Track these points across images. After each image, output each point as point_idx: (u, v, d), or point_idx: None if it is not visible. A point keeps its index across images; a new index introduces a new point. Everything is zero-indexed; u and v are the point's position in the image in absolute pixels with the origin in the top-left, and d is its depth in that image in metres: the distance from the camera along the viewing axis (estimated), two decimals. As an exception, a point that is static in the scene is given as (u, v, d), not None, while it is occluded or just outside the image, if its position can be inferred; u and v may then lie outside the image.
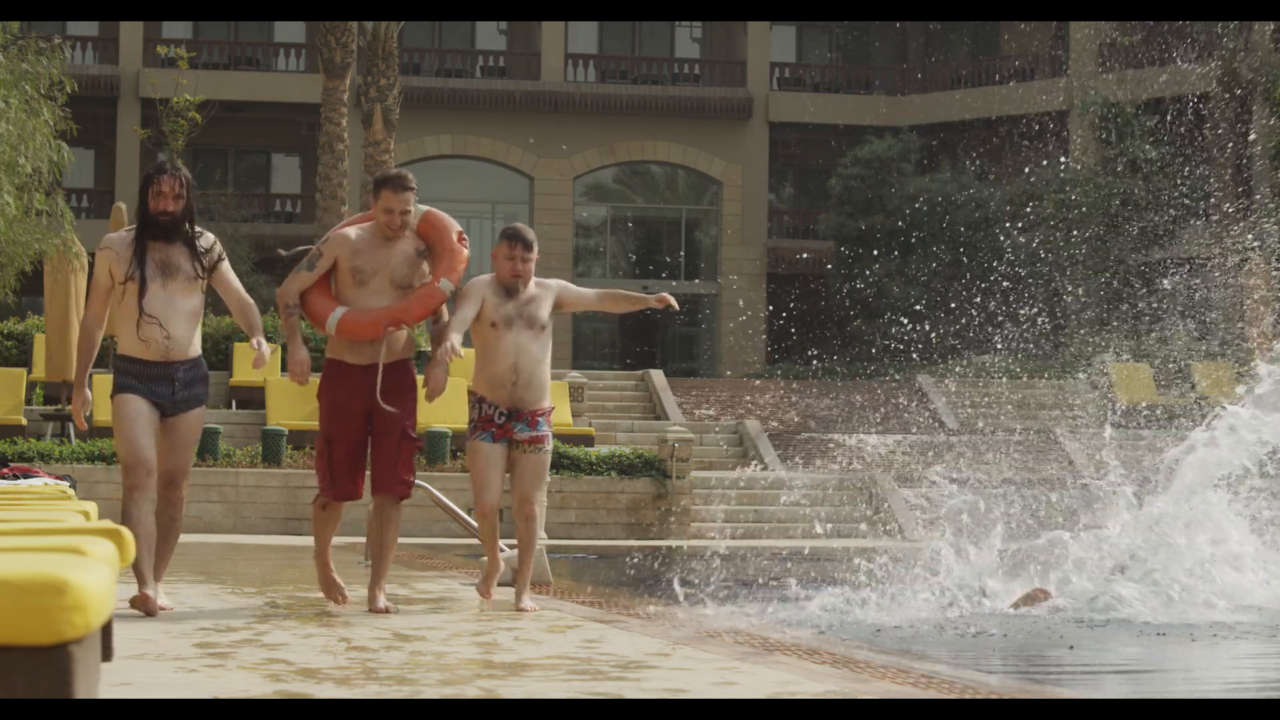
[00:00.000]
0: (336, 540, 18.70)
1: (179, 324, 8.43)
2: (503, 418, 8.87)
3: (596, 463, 20.83)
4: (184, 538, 18.33)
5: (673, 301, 9.05)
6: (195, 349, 8.55)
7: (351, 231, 8.88)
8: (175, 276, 8.42)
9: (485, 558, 11.55)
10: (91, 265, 8.93)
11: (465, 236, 8.90)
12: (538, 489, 9.06)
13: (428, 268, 8.80)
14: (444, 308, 8.92)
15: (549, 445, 9.00)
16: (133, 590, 8.43)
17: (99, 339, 8.59)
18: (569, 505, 20.32)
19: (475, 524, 12.73)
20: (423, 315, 8.75)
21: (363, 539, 18.04)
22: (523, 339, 8.84)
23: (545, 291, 8.97)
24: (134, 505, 8.28)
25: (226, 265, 8.70)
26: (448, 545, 16.51)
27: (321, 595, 9.25)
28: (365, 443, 8.80)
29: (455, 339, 8.69)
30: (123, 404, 8.40)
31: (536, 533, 9.15)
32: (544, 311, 8.90)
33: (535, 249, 8.97)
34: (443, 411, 21.46)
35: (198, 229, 8.60)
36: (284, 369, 26.33)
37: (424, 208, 8.92)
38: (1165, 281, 37.58)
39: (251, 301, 8.80)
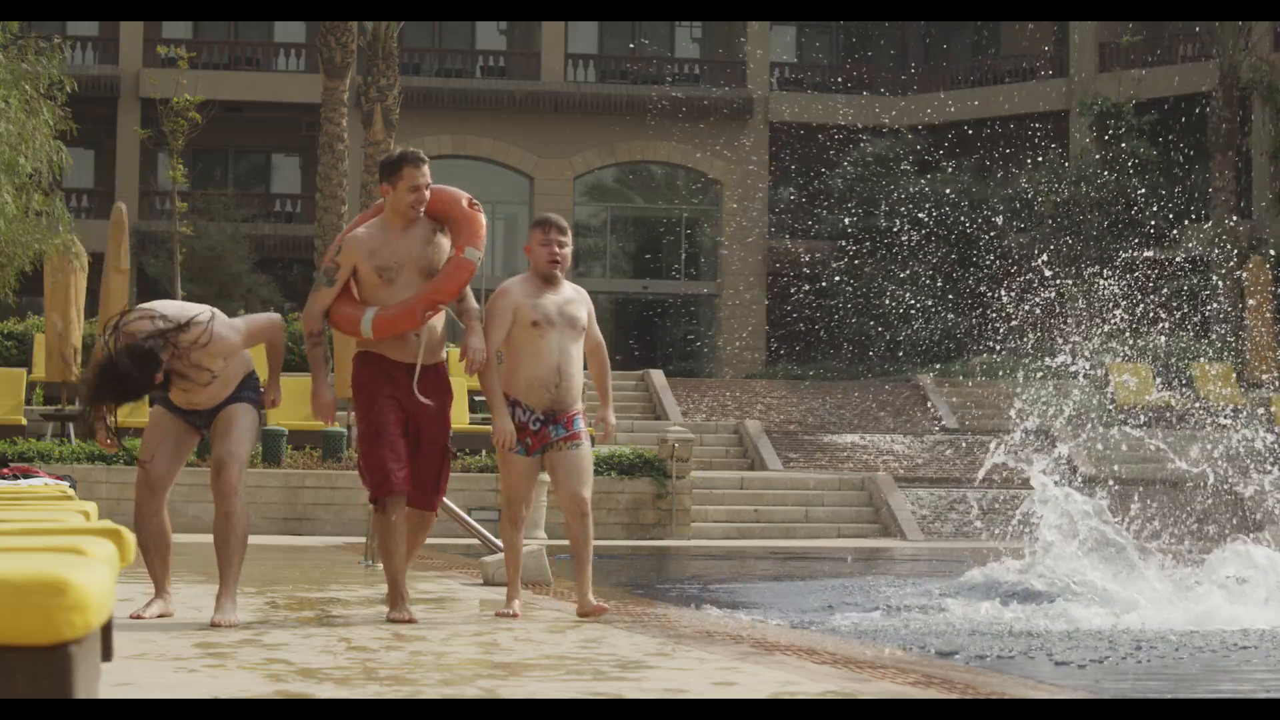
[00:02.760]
0: (334, 539, 18.73)
1: (207, 393, 8.06)
2: (538, 424, 8.46)
3: (596, 463, 20.84)
4: (183, 537, 18.32)
5: (609, 431, 8.65)
6: (230, 389, 8.12)
7: (360, 232, 8.37)
8: (187, 378, 7.86)
9: (487, 557, 11.54)
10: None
11: (476, 202, 8.52)
12: (585, 484, 8.54)
13: (448, 245, 8.38)
14: (468, 290, 8.48)
15: (587, 441, 8.57)
16: (132, 589, 8.40)
17: None
18: (569, 505, 20.31)
19: (476, 525, 12.73)
20: (456, 290, 8.25)
21: (361, 539, 18.04)
22: (565, 340, 8.46)
23: (581, 298, 8.65)
24: (139, 514, 8.13)
25: (219, 330, 7.92)
26: (448, 545, 16.52)
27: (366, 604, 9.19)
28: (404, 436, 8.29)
29: (477, 341, 8.31)
30: (154, 415, 8.22)
31: (591, 530, 8.60)
32: (581, 315, 8.56)
33: (570, 235, 8.64)
34: (443, 411, 21.50)
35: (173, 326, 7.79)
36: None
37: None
38: (1165, 282, 37.61)
39: (281, 342, 8.21)
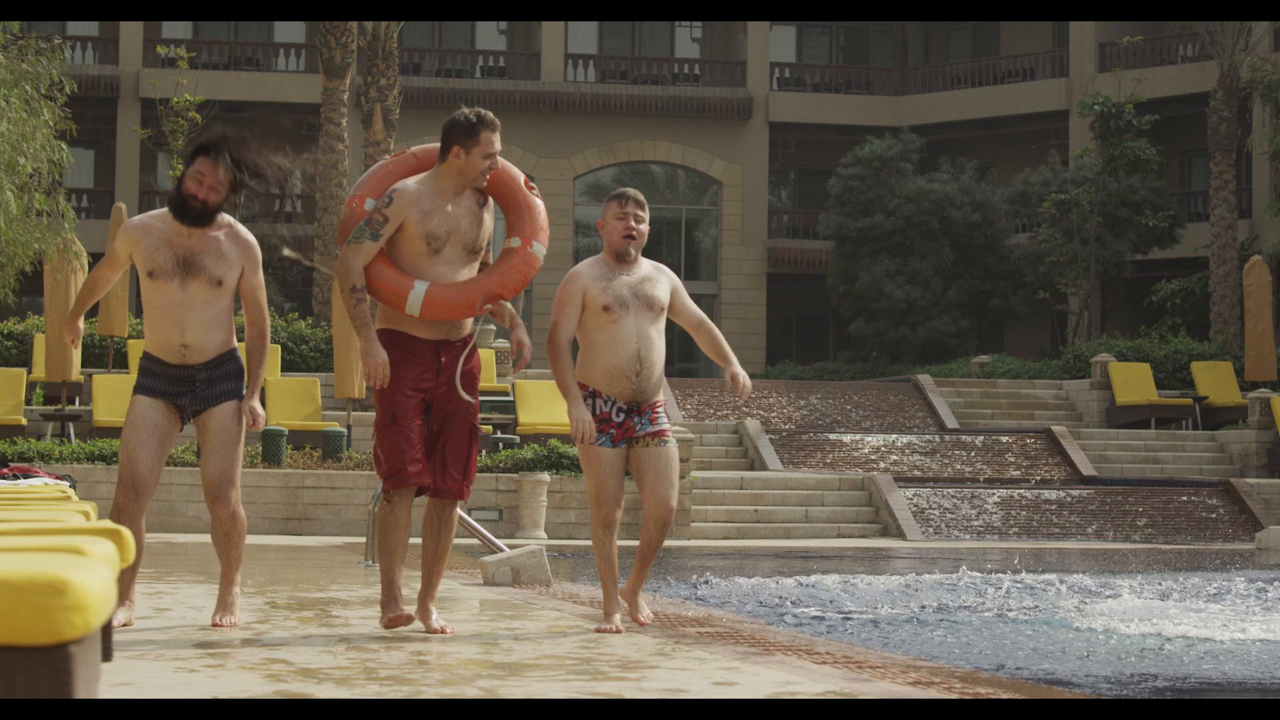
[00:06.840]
0: (334, 539, 18.71)
1: (202, 340, 7.71)
2: (622, 415, 7.89)
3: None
4: (183, 537, 18.36)
5: (744, 385, 8.01)
6: (219, 340, 7.74)
7: (411, 186, 7.48)
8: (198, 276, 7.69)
9: (487, 557, 11.53)
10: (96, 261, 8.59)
11: (533, 184, 7.78)
12: (674, 489, 7.94)
13: (490, 223, 7.70)
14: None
15: (674, 438, 8.05)
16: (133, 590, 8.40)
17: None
18: (569, 505, 20.31)
19: (476, 525, 12.72)
20: (521, 286, 7.53)
21: (361, 539, 18.03)
22: (643, 322, 7.85)
23: (661, 275, 8.02)
24: (117, 518, 7.72)
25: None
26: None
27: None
28: (422, 425, 7.59)
29: (525, 336, 7.54)
30: (133, 411, 7.77)
31: (664, 540, 8.03)
32: (661, 294, 7.94)
33: (647, 212, 8.02)
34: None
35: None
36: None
37: None
38: (1164, 282, 37.61)
39: (267, 335, 7.84)
